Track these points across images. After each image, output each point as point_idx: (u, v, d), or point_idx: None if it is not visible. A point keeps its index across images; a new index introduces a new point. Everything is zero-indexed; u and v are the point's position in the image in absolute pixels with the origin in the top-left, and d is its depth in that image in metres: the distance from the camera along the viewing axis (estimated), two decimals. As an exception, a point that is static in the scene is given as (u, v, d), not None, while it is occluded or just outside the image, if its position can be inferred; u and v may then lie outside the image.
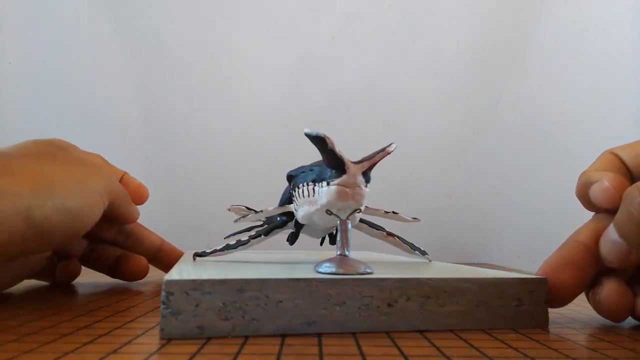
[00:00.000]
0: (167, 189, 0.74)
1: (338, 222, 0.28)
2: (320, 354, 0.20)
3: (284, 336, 0.23)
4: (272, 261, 0.35)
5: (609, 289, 0.27)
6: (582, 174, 0.31)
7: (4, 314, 0.28)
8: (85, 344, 0.22)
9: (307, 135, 0.25)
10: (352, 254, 0.28)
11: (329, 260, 0.26)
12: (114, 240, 0.42)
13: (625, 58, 0.74)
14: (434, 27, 0.75)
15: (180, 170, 0.74)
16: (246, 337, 0.23)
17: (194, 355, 0.20)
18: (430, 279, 0.25)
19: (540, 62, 0.74)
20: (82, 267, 0.42)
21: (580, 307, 0.32)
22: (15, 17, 0.73)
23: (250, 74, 0.75)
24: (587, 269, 0.28)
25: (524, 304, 0.26)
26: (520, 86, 0.74)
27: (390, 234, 0.35)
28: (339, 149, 0.26)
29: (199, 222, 0.72)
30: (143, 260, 0.41)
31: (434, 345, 0.22)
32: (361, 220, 0.33)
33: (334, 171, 0.26)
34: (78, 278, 0.41)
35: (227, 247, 0.34)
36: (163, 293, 0.22)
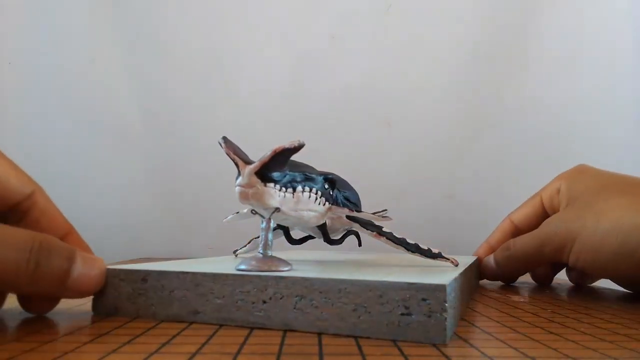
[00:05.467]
0: (167, 189, 0.74)
1: (262, 221, 0.28)
2: (320, 354, 0.20)
3: (284, 335, 0.23)
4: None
5: None
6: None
7: (4, 314, 0.28)
8: (85, 343, 0.22)
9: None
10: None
11: (249, 257, 0.27)
12: None
13: (624, 58, 0.74)
14: (434, 27, 0.74)
15: (180, 170, 0.74)
16: (246, 337, 0.23)
17: (194, 354, 0.20)
18: (304, 278, 0.24)
19: (540, 62, 0.74)
20: None
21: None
22: (16, 17, 0.73)
23: (250, 73, 0.75)
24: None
25: (412, 313, 0.22)
26: (521, 86, 0.74)
27: (380, 234, 0.33)
28: (234, 153, 0.27)
29: (199, 222, 0.72)
30: None
31: (434, 346, 0.22)
32: (353, 220, 0.33)
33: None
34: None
35: (243, 246, 0.40)
36: None
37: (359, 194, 0.37)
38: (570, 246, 0.39)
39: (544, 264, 0.46)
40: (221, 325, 0.25)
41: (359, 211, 0.35)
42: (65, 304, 0.31)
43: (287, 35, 0.75)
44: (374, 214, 0.43)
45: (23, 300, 0.28)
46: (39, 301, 0.27)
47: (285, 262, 0.28)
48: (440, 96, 0.74)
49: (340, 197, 0.33)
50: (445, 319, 0.22)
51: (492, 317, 0.30)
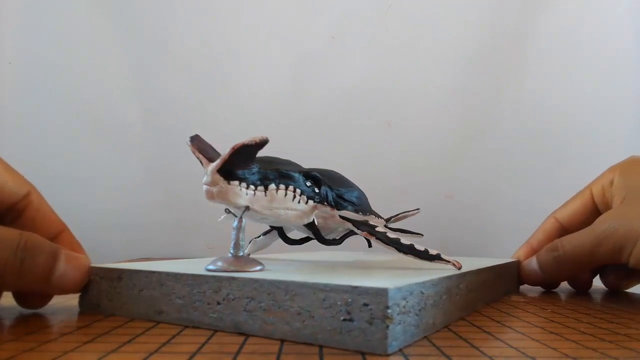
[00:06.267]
0: (167, 189, 0.74)
1: (234, 220, 0.28)
2: (321, 354, 0.20)
3: (282, 340, 0.23)
4: (276, 259, 0.37)
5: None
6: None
7: (4, 313, 0.28)
8: (85, 342, 0.22)
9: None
10: None
11: (219, 257, 0.27)
12: None
13: (625, 58, 0.74)
14: (433, 27, 0.74)
15: (180, 169, 0.74)
16: (247, 337, 0.23)
17: (195, 354, 0.20)
18: (253, 279, 0.23)
19: (540, 62, 0.74)
20: None
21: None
22: (16, 17, 0.73)
23: (250, 73, 0.75)
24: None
25: (354, 319, 0.21)
26: (520, 86, 0.74)
27: (371, 234, 0.31)
28: (199, 151, 0.26)
29: (199, 221, 0.72)
30: None
31: (434, 345, 0.22)
32: (345, 219, 0.32)
33: None
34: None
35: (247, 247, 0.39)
36: None
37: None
38: (632, 246, 0.35)
39: (594, 267, 0.42)
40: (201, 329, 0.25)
41: (361, 210, 0.33)
42: (66, 302, 0.31)
43: (287, 36, 0.75)
44: (403, 213, 0.43)
45: (17, 296, 0.29)
46: (31, 297, 0.28)
47: (255, 262, 0.27)
48: (440, 96, 0.74)
49: (331, 195, 0.32)
50: (387, 327, 0.20)
51: (492, 316, 0.30)
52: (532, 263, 0.41)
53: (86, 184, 0.73)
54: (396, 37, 0.74)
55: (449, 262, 0.30)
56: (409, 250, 0.30)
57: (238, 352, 0.20)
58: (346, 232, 0.35)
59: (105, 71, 0.74)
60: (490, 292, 0.35)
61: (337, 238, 0.35)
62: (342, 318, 0.21)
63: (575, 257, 0.38)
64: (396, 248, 0.30)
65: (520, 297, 0.39)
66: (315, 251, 0.48)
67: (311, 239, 0.36)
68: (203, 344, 0.22)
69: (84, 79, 0.74)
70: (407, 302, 0.22)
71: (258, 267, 0.27)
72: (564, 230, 0.42)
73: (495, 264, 0.37)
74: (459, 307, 0.28)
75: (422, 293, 0.24)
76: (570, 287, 0.45)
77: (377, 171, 0.71)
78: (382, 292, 0.20)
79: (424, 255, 0.30)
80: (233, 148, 0.25)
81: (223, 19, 0.75)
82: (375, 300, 0.20)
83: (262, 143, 0.25)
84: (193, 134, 0.28)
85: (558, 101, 0.73)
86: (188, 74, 0.75)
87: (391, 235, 0.31)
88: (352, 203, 0.33)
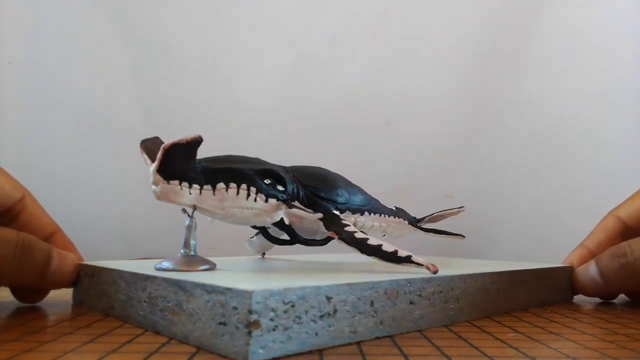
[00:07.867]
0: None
1: (187, 219, 0.28)
2: (321, 355, 0.20)
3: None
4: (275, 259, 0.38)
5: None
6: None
7: (4, 313, 0.28)
8: (85, 343, 0.22)
9: None
10: None
11: (169, 257, 0.28)
12: None
13: (625, 58, 0.74)
14: (434, 27, 0.74)
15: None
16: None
17: (194, 354, 0.20)
18: (165, 279, 0.23)
19: (540, 62, 0.74)
20: None
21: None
22: (15, 16, 0.73)
23: (250, 74, 0.75)
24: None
25: (227, 322, 0.20)
26: (520, 86, 0.74)
27: (337, 233, 0.28)
28: (146, 152, 0.27)
29: (199, 222, 0.72)
30: None
31: (434, 345, 0.22)
32: (321, 218, 0.30)
33: None
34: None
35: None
36: None
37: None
38: None
39: None
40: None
41: (348, 209, 0.31)
42: (68, 305, 0.31)
43: (287, 36, 0.75)
44: (441, 212, 0.42)
45: (15, 292, 0.31)
46: (28, 292, 0.31)
47: (203, 262, 0.27)
48: (440, 96, 0.74)
49: (302, 193, 0.29)
50: (250, 332, 0.18)
51: (491, 317, 0.30)
52: (591, 270, 0.35)
53: (87, 184, 0.72)
54: (396, 37, 0.74)
55: (421, 265, 0.26)
56: (373, 252, 0.27)
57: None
58: None
59: (106, 72, 0.74)
60: (500, 301, 0.31)
61: (320, 239, 0.32)
62: (218, 321, 0.20)
63: None
64: (359, 250, 0.27)
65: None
66: (321, 253, 0.47)
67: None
68: (202, 346, 0.21)
69: (84, 79, 0.73)
70: (293, 306, 0.20)
71: (204, 267, 0.26)
72: (629, 230, 0.36)
73: (518, 268, 0.33)
74: (418, 316, 0.25)
75: (328, 298, 0.21)
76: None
77: (377, 171, 0.71)
78: (246, 295, 0.19)
79: (391, 258, 0.27)
80: (164, 148, 0.25)
81: (223, 19, 0.75)
82: (241, 303, 0.19)
83: (195, 141, 0.25)
84: (152, 136, 0.28)
85: (559, 101, 0.73)
86: (188, 75, 0.75)
87: (359, 235, 0.28)
88: (334, 201, 0.31)
